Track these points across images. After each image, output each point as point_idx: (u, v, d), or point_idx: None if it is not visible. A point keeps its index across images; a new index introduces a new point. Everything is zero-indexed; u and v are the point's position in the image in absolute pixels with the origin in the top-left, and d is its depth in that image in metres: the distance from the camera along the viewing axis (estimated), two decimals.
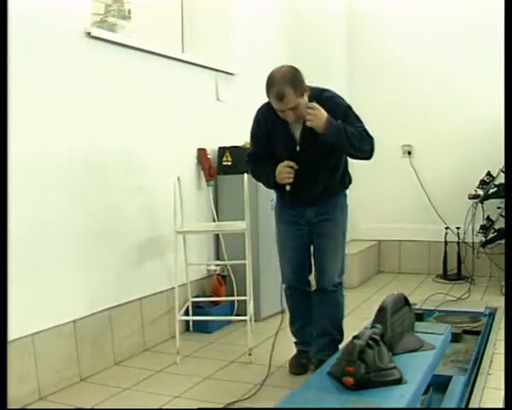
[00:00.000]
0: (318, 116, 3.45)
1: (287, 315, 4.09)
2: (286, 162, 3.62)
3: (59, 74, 3.75)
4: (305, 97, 3.49)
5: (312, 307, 3.96)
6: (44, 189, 3.64)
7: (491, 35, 6.11)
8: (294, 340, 4.08)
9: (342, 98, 3.71)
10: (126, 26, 4.56)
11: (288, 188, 3.68)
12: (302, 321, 4.02)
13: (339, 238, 3.86)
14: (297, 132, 3.64)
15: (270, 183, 3.78)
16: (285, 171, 3.62)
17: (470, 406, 3.25)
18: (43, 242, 3.63)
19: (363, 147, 3.58)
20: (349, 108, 3.66)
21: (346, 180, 3.89)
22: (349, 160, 3.86)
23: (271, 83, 3.44)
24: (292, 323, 4.08)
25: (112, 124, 4.18)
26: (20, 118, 3.36)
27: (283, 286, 4.02)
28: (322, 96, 3.61)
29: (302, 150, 3.64)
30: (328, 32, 6.73)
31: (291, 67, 3.48)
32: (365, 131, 3.60)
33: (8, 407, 3.00)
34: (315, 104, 3.48)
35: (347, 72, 7.00)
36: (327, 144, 3.54)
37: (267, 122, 3.72)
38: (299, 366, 3.92)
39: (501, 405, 3.26)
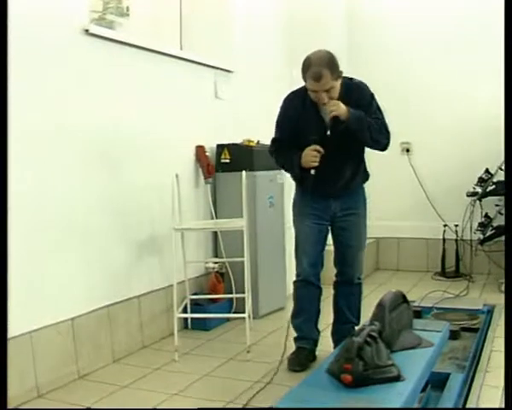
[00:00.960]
0: (339, 105, 3.59)
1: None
2: (313, 146, 3.68)
3: (57, 72, 3.75)
4: (338, 83, 3.65)
5: (336, 298, 4.10)
6: (43, 186, 3.63)
7: (490, 33, 6.11)
8: (295, 335, 4.07)
9: (367, 86, 3.87)
10: (125, 23, 4.55)
11: (312, 172, 3.71)
12: (308, 315, 4.02)
13: (362, 232, 4.02)
14: (327, 117, 3.70)
15: (295, 167, 3.81)
16: (312, 154, 3.68)
17: (468, 403, 3.25)
18: (40, 240, 3.62)
19: (380, 139, 3.75)
20: (373, 97, 3.81)
21: (367, 173, 4.03)
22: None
23: (309, 64, 3.58)
24: (297, 316, 4.05)
25: (110, 121, 4.18)
26: (17, 117, 3.35)
27: (295, 278, 4.02)
28: (352, 83, 3.80)
29: (332, 134, 3.70)
30: (326, 30, 6.71)
31: (328, 51, 3.64)
32: (384, 124, 3.76)
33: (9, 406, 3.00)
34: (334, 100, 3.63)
35: (346, 71, 6.98)
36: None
37: (296, 107, 3.81)
38: (299, 363, 3.92)
39: (498, 402, 3.27)
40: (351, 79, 3.84)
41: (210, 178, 5.12)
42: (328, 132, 3.71)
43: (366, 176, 4.04)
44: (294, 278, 4.04)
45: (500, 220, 6.08)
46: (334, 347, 3.89)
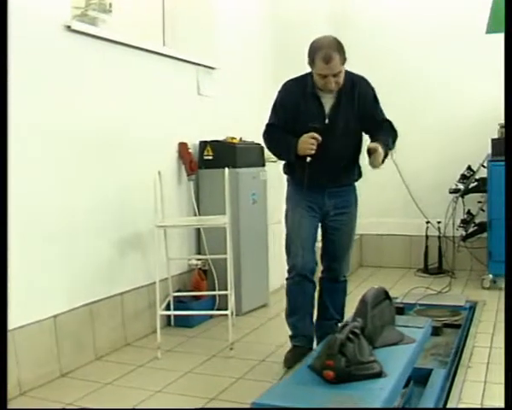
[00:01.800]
0: (378, 159, 3.62)
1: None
2: (311, 134, 3.63)
3: (38, 69, 3.72)
4: (343, 70, 3.64)
5: (321, 294, 4.08)
6: (24, 184, 3.61)
7: (475, 30, 6.12)
8: (290, 333, 4.00)
9: (370, 84, 3.88)
10: (107, 19, 4.53)
11: (308, 159, 3.66)
12: (302, 312, 3.91)
13: (353, 232, 4.06)
14: (327, 105, 3.72)
15: (291, 153, 3.73)
16: (309, 142, 3.63)
17: (451, 398, 3.27)
18: (22, 238, 3.60)
19: (394, 141, 3.89)
20: (376, 96, 3.87)
21: (360, 170, 4.01)
22: None
23: (319, 47, 3.57)
24: (292, 313, 3.95)
25: (91, 118, 4.15)
26: None
27: (288, 275, 3.92)
28: (355, 75, 3.81)
29: (330, 123, 3.71)
30: (311, 28, 6.70)
31: (334, 37, 3.63)
32: (391, 125, 3.88)
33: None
34: (377, 148, 3.60)
35: None
36: (353, 124, 3.75)
37: (296, 94, 3.78)
38: (295, 361, 3.80)
39: (480, 397, 3.30)
40: (352, 72, 3.82)
41: (193, 174, 5.11)
42: (327, 121, 3.70)
43: (359, 172, 4.00)
44: (286, 275, 3.94)
45: (482, 217, 6.12)
46: (317, 343, 3.88)
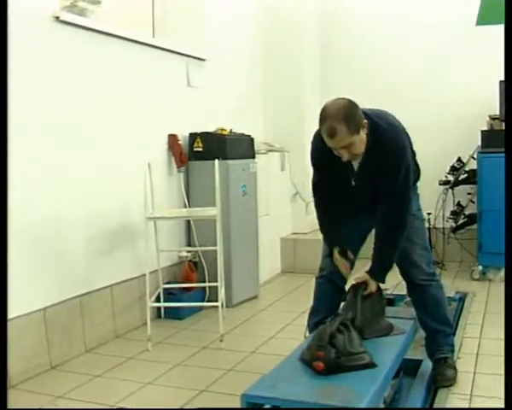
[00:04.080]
0: (371, 287, 3.20)
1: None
2: (341, 261, 3.33)
3: (26, 60, 3.70)
4: (362, 133, 3.04)
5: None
6: (13, 172, 3.59)
7: (462, 21, 6.13)
8: (307, 334, 3.59)
9: (398, 140, 3.24)
10: (96, 10, 4.51)
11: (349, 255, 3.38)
12: (323, 316, 3.41)
13: (414, 229, 3.42)
14: (355, 165, 3.21)
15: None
16: (341, 266, 3.35)
17: (440, 390, 3.28)
18: (10, 228, 3.58)
19: (398, 239, 3.26)
20: (402, 164, 3.18)
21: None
22: None
23: (323, 118, 3.00)
24: (314, 314, 3.61)
25: (80, 109, 4.14)
26: None
27: (317, 273, 3.63)
28: (380, 131, 3.16)
29: (357, 185, 3.25)
30: (300, 21, 6.71)
31: (347, 100, 3.04)
32: (400, 216, 3.22)
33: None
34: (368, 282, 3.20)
35: (319, 61, 7.00)
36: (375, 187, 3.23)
37: (323, 150, 3.17)
38: None
39: (470, 388, 3.31)
40: (379, 122, 3.18)
41: (183, 166, 5.10)
42: (353, 183, 3.24)
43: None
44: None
45: (472, 209, 6.13)
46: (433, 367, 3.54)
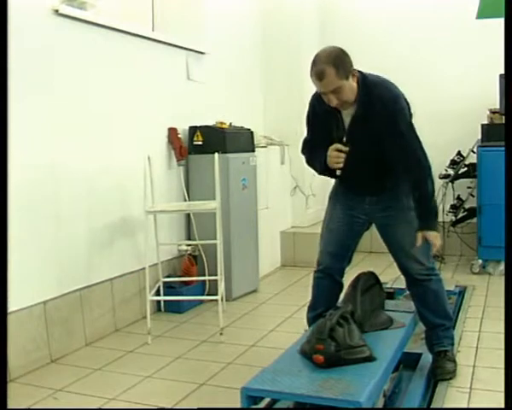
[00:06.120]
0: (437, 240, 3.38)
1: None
2: (334, 145, 3.27)
3: (25, 53, 3.68)
4: (352, 81, 3.14)
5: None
6: (12, 165, 3.59)
7: (464, 16, 6.11)
8: (306, 328, 3.64)
9: (391, 89, 3.37)
10: (96, 4, 4.50)
11: (338, 172, 3.33)
12: (321, 310, 3.43)
13: (406, 224, 3.45)
14: (347, 119, 3.29)
15: (322, 167, 3.40)
16: (334, 155, 3.27)
17: (439, 383, 3.28)
18: (11, 222, 3.58)
19: (429, 187, 3.56)
20: (398, 109, 3.32)
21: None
22: None
23: (314, 62, 3.12)
24: (312, 308, 3.63)
25: (80, 103, 4.13)
26: None
27: (315, 267, 3.63)
28: (372, 85, 3.26)
29: (348, 142, 3.28)
30: (300, 13, 6.70)
31: (338, 47, 3.17)
32: (418, 159, 3.45)
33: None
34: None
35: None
36: (375, 144, 3.29)
37: (321, 106, 3.30)
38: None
39: (469, 382, 3.31)
40: (370, 75, 3.32)
41: (182, 160, 5.10)
42: (345, 138, 3.28)
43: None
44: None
45: (472, 202, 6.12)
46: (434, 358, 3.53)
